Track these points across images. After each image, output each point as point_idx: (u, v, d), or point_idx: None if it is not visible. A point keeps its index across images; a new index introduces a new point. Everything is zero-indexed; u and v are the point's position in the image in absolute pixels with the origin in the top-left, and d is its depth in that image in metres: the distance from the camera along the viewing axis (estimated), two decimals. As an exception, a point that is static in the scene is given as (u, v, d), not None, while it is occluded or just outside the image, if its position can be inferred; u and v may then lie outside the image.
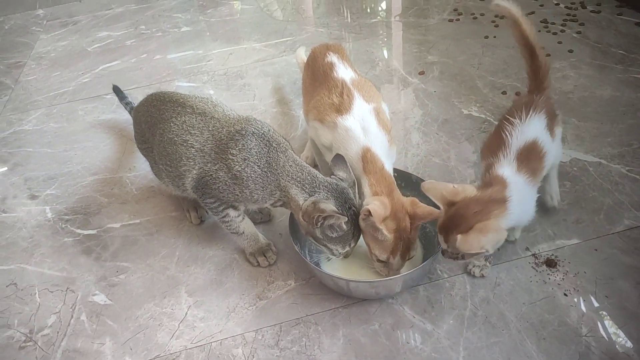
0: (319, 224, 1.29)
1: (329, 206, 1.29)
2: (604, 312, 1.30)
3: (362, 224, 1.34)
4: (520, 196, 1.27)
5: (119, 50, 2.87)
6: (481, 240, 1.17)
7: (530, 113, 1.37)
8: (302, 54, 2.23)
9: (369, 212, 1.27)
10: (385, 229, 1.29)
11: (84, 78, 2.63)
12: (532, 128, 1.36)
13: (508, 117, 1.40)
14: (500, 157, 1.34)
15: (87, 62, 2.78)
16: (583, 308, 1.31)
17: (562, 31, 2.50)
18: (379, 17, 2.97)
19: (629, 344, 1.23)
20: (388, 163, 1.47)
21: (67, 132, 2.24)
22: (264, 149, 1.38)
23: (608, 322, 1.27)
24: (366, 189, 1.41)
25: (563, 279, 1.39)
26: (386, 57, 2.57)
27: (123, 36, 3.02)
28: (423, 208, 1.32)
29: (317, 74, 1.75)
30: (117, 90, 2.18)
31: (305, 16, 3.08)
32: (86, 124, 2.28)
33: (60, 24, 3.28)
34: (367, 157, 1.44)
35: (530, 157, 1.34)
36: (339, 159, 1.41)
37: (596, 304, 1.32)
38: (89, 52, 2.89)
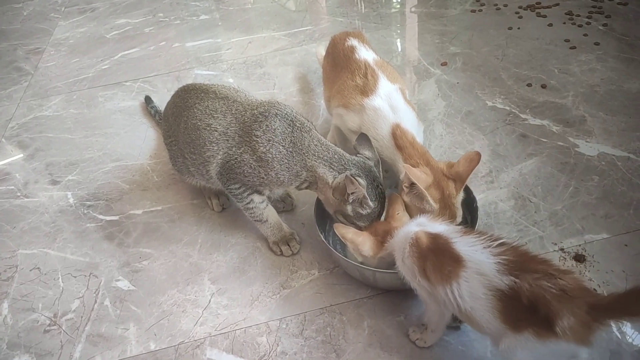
0: (351, 199, 1.29)
1: (362, 181, 1.29)
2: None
3: (406, 198, 1.32)
4: None
5: (137, 38, 2.86)
6: None
7: None
8: (322, 51, 2.21)
9: (411, 182, 1.26)
10: (431, 198, 1.28)
11: (103, 65, 2.63)
12: None
13: None
14: None
15: (106, 49, 2.77)
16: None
17: (588, 23, 2.44)
18: (393, 9, 2.93)
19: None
20: (418, 137, 1.47)
21: (88, 119, 2.24)
22: (288, 129, 1.37)
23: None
24: (400, 165, 1.40)
25: (592, 274, 1.36)
26: (407, 47, 2.53)
27: (141, 23, 3.01)
28: (460, 165, 1.32)
29: (337, 59, 1.73)
30: (147, 99, 2.22)
31: (323, 6, 3.04)
32: (106, 110, 2.28)
33: (79, 11, 3.28)
34: (397, 133, 1.44)
35: None
36: (364, 138, 1.41)
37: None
38: (108, 39, 2.89)
